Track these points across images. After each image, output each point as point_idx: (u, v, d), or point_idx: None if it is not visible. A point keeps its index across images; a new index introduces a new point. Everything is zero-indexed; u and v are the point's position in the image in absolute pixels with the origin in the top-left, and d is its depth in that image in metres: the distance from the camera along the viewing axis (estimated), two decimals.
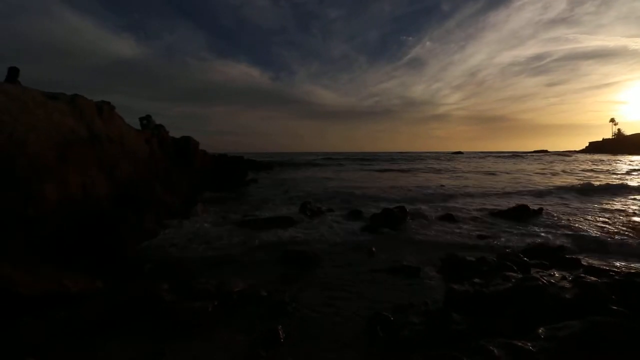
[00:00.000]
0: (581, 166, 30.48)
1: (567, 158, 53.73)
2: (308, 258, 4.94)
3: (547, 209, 8.48)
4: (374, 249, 5.42)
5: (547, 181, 17.77)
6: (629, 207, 9.17)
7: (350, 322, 3.14)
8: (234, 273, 4.35)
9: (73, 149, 5.62)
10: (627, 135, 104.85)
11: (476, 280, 3.56)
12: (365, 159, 45.45)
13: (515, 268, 3.94)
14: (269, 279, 4.21)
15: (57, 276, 3.60)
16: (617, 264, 4.49)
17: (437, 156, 59.36)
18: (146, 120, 11.35)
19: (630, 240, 5.71)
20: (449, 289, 3.33)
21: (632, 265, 4.46)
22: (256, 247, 5.60)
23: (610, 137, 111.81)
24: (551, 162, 41.05)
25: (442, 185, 15.40)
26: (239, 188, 13.72)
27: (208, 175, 13.03)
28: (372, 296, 3.71)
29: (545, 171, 24.63)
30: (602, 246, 5.44)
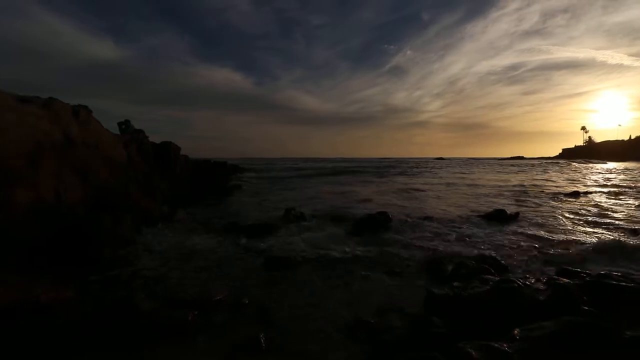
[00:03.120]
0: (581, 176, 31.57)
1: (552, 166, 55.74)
2: (290, 263, 4.92)
3: None
4: (356, 253, 5.45)
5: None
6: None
7: (333, 326, 3.13)
8: (215, 280, 4.27)
9: (46, 154, 5.41)
10: (597, 143, 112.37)
11: (455, 283, 3.63)
12: (348, 170, 45.73)
13: (492, 271, 4.05)
14: (251, 285, 4.15)
15: (27, 285, 3.44)
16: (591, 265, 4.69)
17: (417, 163, 60.39)
18: (125, 124, 11.08)
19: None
20: (429, 292, 3.38)
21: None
22: (238, 254, 5.52)
23: (582, 145, 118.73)
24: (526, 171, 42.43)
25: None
26: (222, 194, 13.52)
27: (190, 181, 12.79)
28: (355, 300, 3.73)
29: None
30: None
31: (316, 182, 20.88)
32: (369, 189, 17.40)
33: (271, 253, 5.47)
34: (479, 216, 8.49)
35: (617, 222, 7.83)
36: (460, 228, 7.47)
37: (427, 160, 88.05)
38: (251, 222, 7.59)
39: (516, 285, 3.05)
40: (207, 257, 5.35)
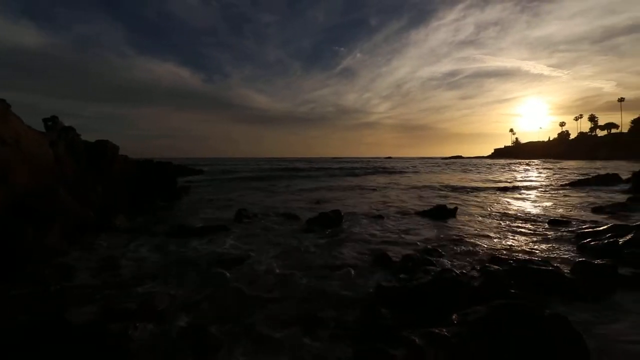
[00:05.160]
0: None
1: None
2: (242, 263, 4.80)
3: None
4: (310, 249, 5.49)
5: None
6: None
7: (284, 324, 3.11)
8: (159, 289, 4.00)
9: None
10: (523, 143, 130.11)
11: (402, 275, 3.83)
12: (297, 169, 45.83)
13: (434, 262, 4.34)
14: (200, 290, 3.97)
15: None
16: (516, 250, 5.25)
17: (367, 163, 62.55)
18: (51, 121, 9.88)
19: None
20: (378, 285, 3.53)
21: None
22: (186, 259, 5.23)
23: (510, 145, 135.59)
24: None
25: None
26: (168, 196, 12.74)
27: (131, 183, 11.82)
28: (307, 296, 3.74)
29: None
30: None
31: (270, 182, 20.60)
32: (323, 188, 17.62)
33: (222, 255, 5.28)
34: (423, 212, 9.04)
35: (541, 213, 8.86)
36: (407, 223, 7.89)
37: (376, 160, 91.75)
38: (200, 225, 7.26)
39: (454, 274, 3.31)
40: (150, 264, 4.99)
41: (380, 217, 8.59)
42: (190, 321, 3.20)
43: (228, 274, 4.44)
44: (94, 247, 5.71)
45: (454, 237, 6.30)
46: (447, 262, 4.62)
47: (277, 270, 4.62)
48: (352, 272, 4.52)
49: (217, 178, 23.48)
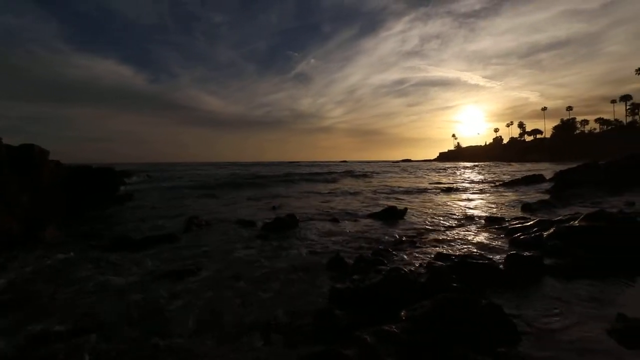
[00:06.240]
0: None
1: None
2: (191, 274, 4.58)
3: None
4: (265, 255, 5.41)
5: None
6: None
7: (237, 334, 3.03)
8: (94, 307, 3.67)
9: None
10: (463, 148, 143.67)
11: (355, 276, 3.93)
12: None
13: (385, 262, 4.52)
14: (143, 305, 3.70)
15: None
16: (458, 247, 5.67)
17: (322, 167, 63.43)
18: None
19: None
20: (332, 287, 3.59)
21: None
22: (128, 272, 4.84)
23: (453, 149, 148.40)
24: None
25: None
26: (108, 204, 11.73)
27: (64, 191, 10.67)
28: (262, 303, 3.68)
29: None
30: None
31: (223, 188, 19.88)
32: (279, 193, 17.47)
33: (168, 266, 4.98)
34: (375, 213, 9.38)
35: (479, 211, 9.67)
36: (360, 225, 8.13)
37: (331, 164, 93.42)
38: (144, 235, 6.78)
39: (403, 272, 3.48)
40: (86, 280, 4.54)
41: (335, 220, 8.75)
42: (136, 336, 2.98)
43: (173, 287, 4.20)
44: (16, 264, 5.06)
45: (404, 236, 6.61)
46: (397, 261, 4.84)
47: (230, 279, 4.48)
48: (307, 275, 4.54)
49: (165, 184, 22.09)
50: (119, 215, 10.34)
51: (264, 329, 3.06)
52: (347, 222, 8.64)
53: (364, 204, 12.38)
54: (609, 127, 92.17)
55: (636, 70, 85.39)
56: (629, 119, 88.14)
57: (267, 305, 3.65)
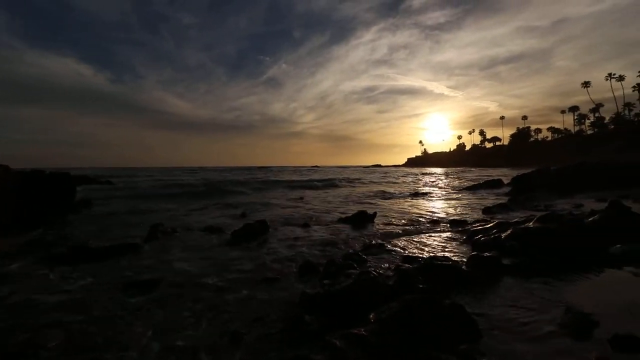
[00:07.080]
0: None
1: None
2: (155, 285, 4.36)
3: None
4: (234, 263, 5.28)
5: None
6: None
7: (205, 346, 2.93)
8: (51, 323, 3.40)
9: None
10: (430, 154, 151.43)
11: (326, 281, 3.95)
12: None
13: (355, 265, 4.58)
14: (104, 320, 3.48)
15: None
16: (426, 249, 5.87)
17: (293, 172, 63.35)
18: None
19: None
20: (302, 293, 3.57)
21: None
22: (87, 284, 4.53)
23: (420, 155, 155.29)
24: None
25: None
26: (64, 211, 10.95)
27: (13, 199, 9.82)
28: (233, 313, 3.58)
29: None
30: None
31: (191, 194, 19.20)
32: (250, 200, 17.19)
33: (131, 277, 4.72)
34: (346, 218, 9.49)
35: (444, 215, 10.07)
36: (331, 230, 8.18)
37: (302, 169, 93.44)
38: (104, 244, 6.38)
39: (372, 275, 3.54)
40: (40, 294, 4.20)
41: (306, 225, 8.75)
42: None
43: (137, 300, 3.99)
44: None
45: (373, 240, 6.74)
46: (366, 265, 4.92)
47: (196, 288, 4.33)
48: (278, 281, 4.49)
49: (128, 190, 20.94)
50: (76, 223, 9.67)
51: (232, 337, 2.99)
52: (317, 227, 8.66)
53: (335, 209, 12.49)
54: (560, 136, 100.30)
55: (582, 83, 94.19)
56: (577, 128, 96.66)
57: (235, 313, 3.57)
